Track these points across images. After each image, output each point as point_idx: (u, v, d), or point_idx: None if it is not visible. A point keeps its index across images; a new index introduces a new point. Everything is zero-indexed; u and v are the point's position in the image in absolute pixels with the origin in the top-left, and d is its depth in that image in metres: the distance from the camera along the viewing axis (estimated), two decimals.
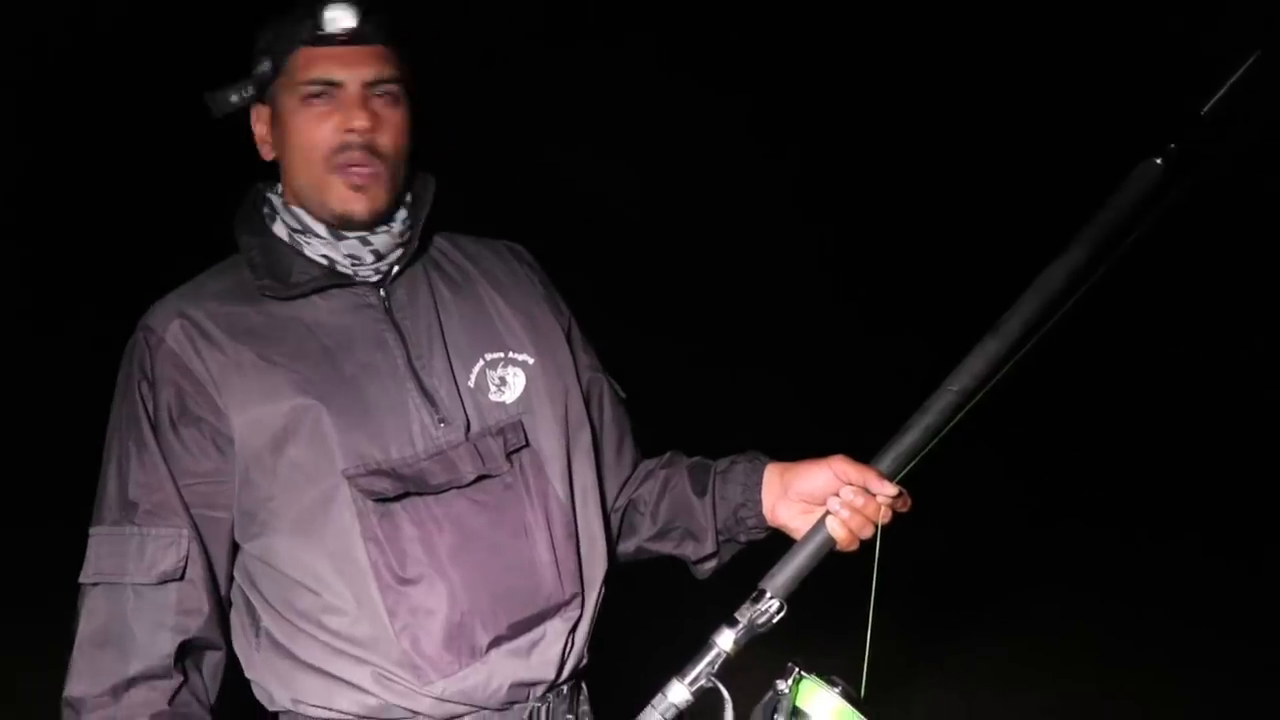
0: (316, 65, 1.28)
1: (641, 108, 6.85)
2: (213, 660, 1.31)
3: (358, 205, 1.29)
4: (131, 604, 1.24)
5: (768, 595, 1.25)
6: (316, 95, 1.28)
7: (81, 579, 1.26)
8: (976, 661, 3.87)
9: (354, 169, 1.28)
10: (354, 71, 1.28)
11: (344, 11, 1.27)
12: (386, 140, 1.30)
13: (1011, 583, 4.46)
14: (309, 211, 1.32)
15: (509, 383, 1.35)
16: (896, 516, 1.30)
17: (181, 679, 1.26)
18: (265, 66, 1.31)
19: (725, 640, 1.23)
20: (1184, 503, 5.13)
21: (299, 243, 1.33)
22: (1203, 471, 5.39)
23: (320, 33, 1.27)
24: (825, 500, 1.30)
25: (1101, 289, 1.29)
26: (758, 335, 6.62)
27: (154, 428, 1.26)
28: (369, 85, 1.29)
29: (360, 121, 1.27)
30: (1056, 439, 5.88)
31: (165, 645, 1.25)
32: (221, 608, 1.31)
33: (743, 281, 7.02)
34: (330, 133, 1.28)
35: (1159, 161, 1.32)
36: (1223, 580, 4.46)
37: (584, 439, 1.41)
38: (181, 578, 1.25)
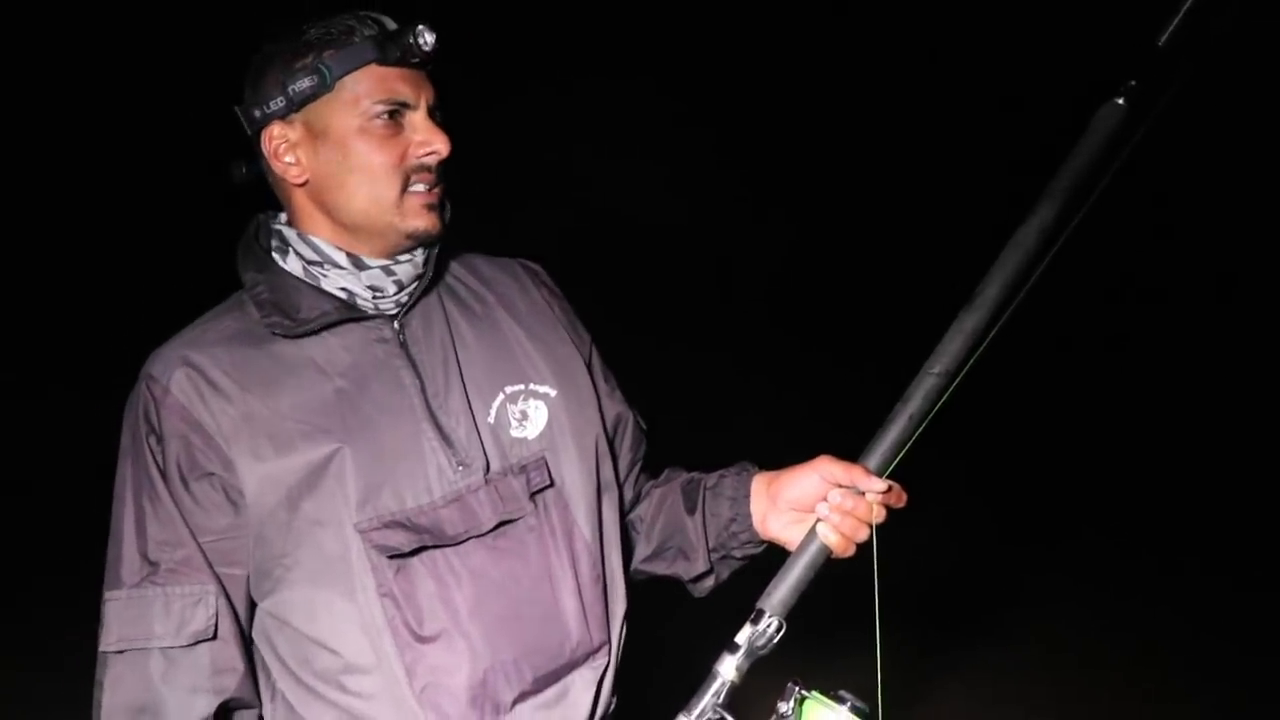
0: (389, 85, 1.21)
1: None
2: (249, 719, 1.25)
3: (433, 223, 1.24)
4: (162, 669, 1.18)
5: (766, 615, 1.18)
6: (380, 116, 1.21)
7: (103, 647, 1.19)
8: (992, 670, 3.69)
9: (425, 191, 1.24)
10: (423, 93, 1.23)
11: (429, 33, 1.21)
12: (447, 164, 1.26)
13: (1026, 586, 4.29)
14: (359, 236, 1.24)
15: (530, 417, 1.28)
16: (892, 514, 1.23)
17: None
18: (306, 83, 1.20)
19: (727, 668, 1.17)
20: (1202, 508, 4.91)
21: (315, 276, 1.26)
22: (1223, 474, 5.16)
23: (393, 54, 1.20)
24: (815, 506, 1.23)
25: (1077, 245, 1.21)
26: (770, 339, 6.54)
27: (166, 483, 1.20)
28: (433, 109, 1.24)
29: (442, 146, 1.22)
30: (1066, 437, 5.68)
31: (202, 709, 1.19)
32: (253, 664, 1.25)
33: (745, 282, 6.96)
34: (403, 154, 1.22)
35: (1121, 101, 1.25)
36: (1244, 590, 4.20)
37: (609, 474, 1.34)
38: (214, 636, 1.19)
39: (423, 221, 1.24)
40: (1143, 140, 1.24)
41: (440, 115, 1.26)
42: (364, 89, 1.21)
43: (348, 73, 1.20)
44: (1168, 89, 1.23)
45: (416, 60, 1.22)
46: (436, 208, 1.25)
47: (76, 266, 6.37)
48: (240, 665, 1.22)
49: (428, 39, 1.21)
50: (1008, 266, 1.22)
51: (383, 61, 1.21)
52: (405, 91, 1.22)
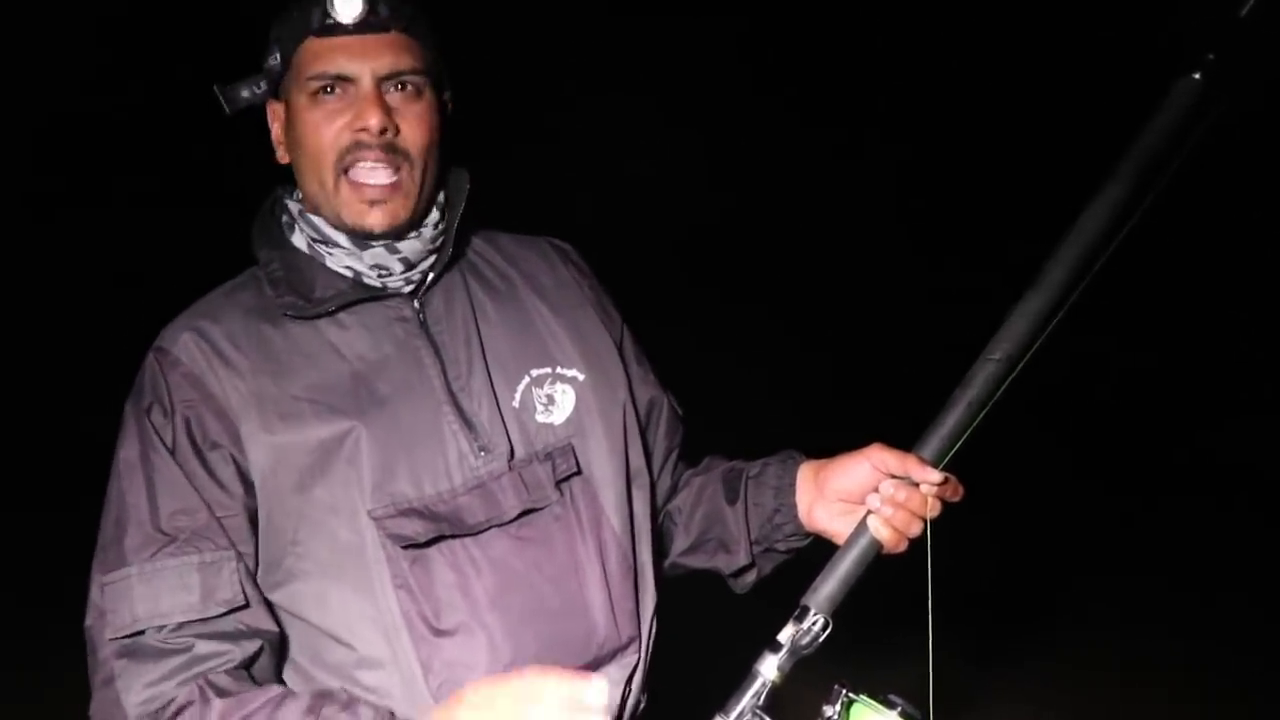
0: (324, 58, 1.15)
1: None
2: None
3: (373, 220, 1.16)
4: (198, 642, 1.07)
5: (811, 612, 1.11)
6: (326, 91, 1.15)
7: (113, 633, 1.07)
8: (1042, 678, 3.59)
9: (367, 177, 1.15)
10: (366, 63, 1.15)
11: None
12: (409, 138, 1.16)
13: (1087, 582, 4.20)
14: (326, 220, 1.20)
15: (557, 401, 1.22)
16: (947, 507, 1.15)
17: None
18: (275, 60, 1.18)
19: (769, 668, 1.10)
20: (1260, 535, 4.78)
21: (320, 254, 1.20)
22: None
23: (328, 21, 1.14)
24: (865, 498, 1.16)
25: (1147, 226, 1.14)
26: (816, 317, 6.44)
27: (175, 454, 1.12)
28: (385, 78, 1.15)
29: (372, 119, 1.13)
30: (1132, 426, 5.58)
31: (248, 648, 1.10)
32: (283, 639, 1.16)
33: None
34: (339, 132, 1.15)
35: (1197, 76, 1.18)
36: None
37: (639, 462, 1.28)
38: (246, 604, 1.10)
39: (359, 218, 1.17)
40: (1219, 120, 1.17)
41: (420, 84, 1.18)
42: (304, 63, 1.17)
43: (293, 48, 1.17)
44: (1249, 64, 1.16)
45: (349, 26, 1.14)
46: (384, 202, 1.16)
47: (118, 279, 6.34)
48: (274, 630, 1.13)
49: (348, 4, 1.14)
50: (1075, 247, 1.16)
51: (318, 33, 1.15)
52: (342, 63, 1.15)
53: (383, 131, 1.14)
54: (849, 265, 6.69)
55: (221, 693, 1.05)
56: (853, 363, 5.85)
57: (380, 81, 1.16)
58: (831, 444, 1.28)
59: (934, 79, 6.83)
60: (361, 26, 1.15)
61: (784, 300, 6.51)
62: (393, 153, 1.16)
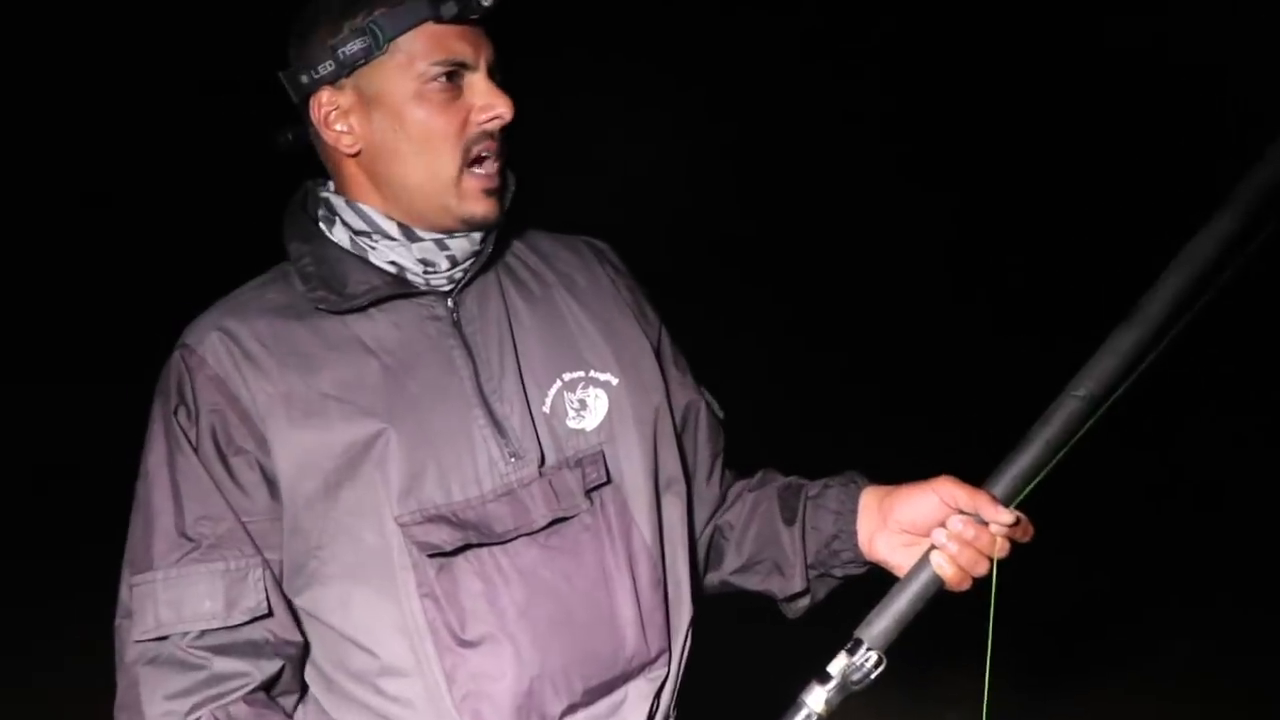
0: (445, 44, 1.11)
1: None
2: (288, 706, 1.17)
3: (490, 209, 1.16)
4: (217, 651, 1.09)
5: (864, 647, 1.07)
6: (439, 78, 1.12)
7: (137, 636, 1.08)
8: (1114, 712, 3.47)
9: (486, 170, 1.15)
10: (483, 53, 1.13)
11: None
12: (510, 132, 1.16)
13: (1152, 614, 4.02)
14: (413, 211, 1.16)
15: (589, 406, 1.19)
16: (1016, 548, 1.09)
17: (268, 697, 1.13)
18: (356, 45, 1.12)
19: (816, 700, 1.07)
20: None
21: (362, 247, 1.18)
22: None
23: (456, 10, 1.11)
24: (930, 531, 1.11)
25: (1260, 262, 1.06)
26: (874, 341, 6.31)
27: (200, 458, 1.13)
28: (493, 69, 1.14)
29: (505, 109, 1.12)
30: (1205, 438, 5.32)
31: (268, 669, 1.11)
32: (305, 646, 1.17)
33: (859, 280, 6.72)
34: (463, 121, 1.12)
35: None
36: None
37: (674, 469, 1.24)
38: (269, 613, 1.12)
39: (480, 207, 1.15)
40: None
41: (500, 77, 1.15)
42: (419, 49, 1.11)
43: (401, 32, 1.11)
44: None
45: (475, 16, 1.11)
46: (495, 193, 1.15)
47: (116, 253, 6.41)
48: (298, 639, 1.14)
49: None
50: (1176, 282, 1.07)
51: (438, 19, 1.11)
52: (464, 51, 1.12)
53: (509, 120, 1.13)
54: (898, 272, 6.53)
55: None
56: (904, 379, 5.70)
57: (490, 72, 1.14)
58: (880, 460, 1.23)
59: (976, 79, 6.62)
60: (484, 16, 1.12)
61: (821, 302, 6.39)
62: (504, 144, 1.15)
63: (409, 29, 1.11)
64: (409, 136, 1.13)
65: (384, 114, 1.13)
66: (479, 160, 1.14)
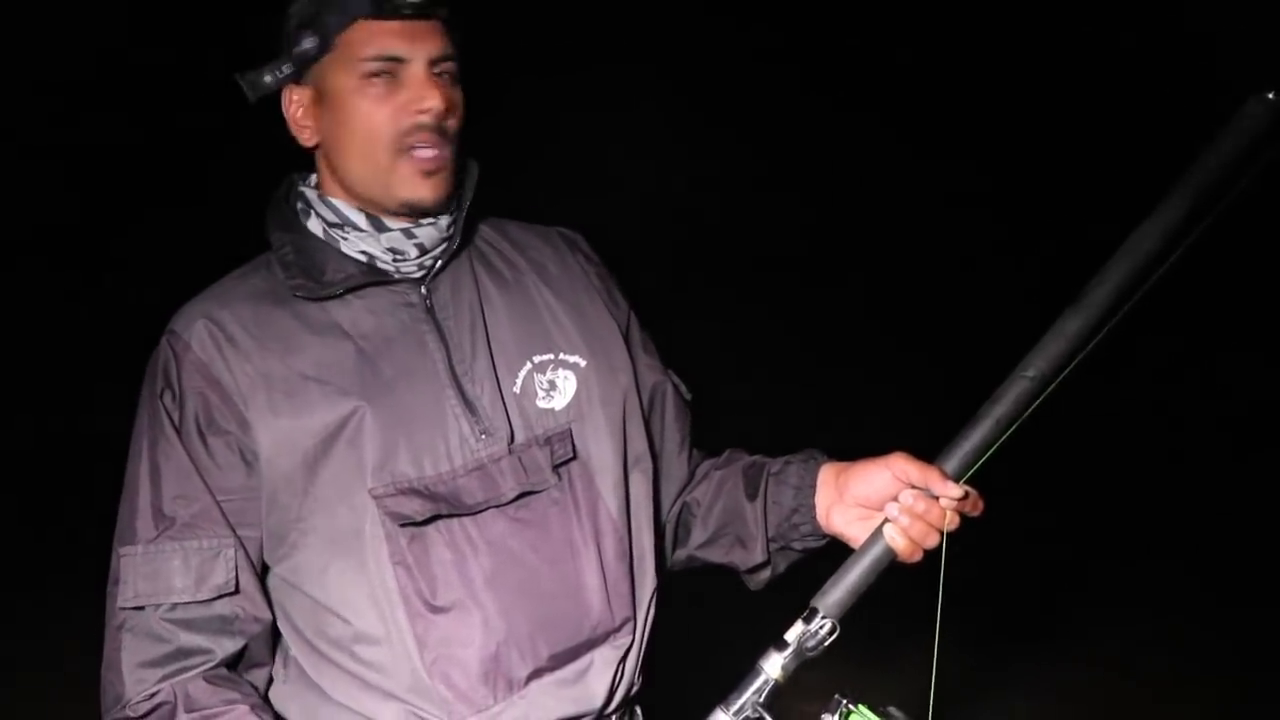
0: (379, 40, 1.16)
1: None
2: (260, 677, 1.23)
3: (427, 191, 1.19)
4: (184, 624, 1.16)
5: (820, 615, 1.12)
6: (378, 74, 1.17)
7: (120, 603, 1.16)
8: (1053, 692, 3.51)
9: (423, 153, 1.19)
10: (420, 47, 1.17)
11: None
12: (453, 123, 1.20)
13: (1092, 604, 4.08)
14: (367, 201, 1.21)
15: (559, 387, 1.24)
16: (965, 521, 1.14)
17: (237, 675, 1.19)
18: (309, 43, 1.19)
19: (773, 666, 1.11)
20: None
21: (335, 238, 1.23)
22: None
23: (386, 5, 1.16)
24: (884, 505, 1.16)
25: (1201, 250, 1.11)
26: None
27: (182, 439, 1.18)
28: (433, 62, 1.18)
29: (435, 102, 1.16)
30: (1145, 456, 5.40)
31: (229, 647, 1.17)
32: (273, 622, 1.23)
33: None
34: (397, 114, 1.17)
35: (1271, 96, 1.13)
36: None
37: (641, 447, 1.29)
38: (235, 590, 1.17)
39: (414, 191, 1.19)
40: None
41: (454, 71, 1.20)
42: (356, 45, 1.17)
43: (342, 29, 1.17)
44: None
45: (408, 10, 1.16)
46: (436, 174, 1.19)
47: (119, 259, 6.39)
48: (265, 616, 1.19)
49: None
50: (1121, 269, 1.12)
51: (375, 14, 1.16)
52: (397, 46, 1.16)
53: (441, 114, 1.17)
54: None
55: (191, 706, 1.13)
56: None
57: (430, 65, 1.18)
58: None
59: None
60: (417, 11, 1.17)
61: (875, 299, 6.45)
62: (442, 135, 1.19)
63: (348, 25, 1.17)
64: (350, 129, 1.19)
65: (332, 108, 1.20)
66: (412, 150, 1.18)
